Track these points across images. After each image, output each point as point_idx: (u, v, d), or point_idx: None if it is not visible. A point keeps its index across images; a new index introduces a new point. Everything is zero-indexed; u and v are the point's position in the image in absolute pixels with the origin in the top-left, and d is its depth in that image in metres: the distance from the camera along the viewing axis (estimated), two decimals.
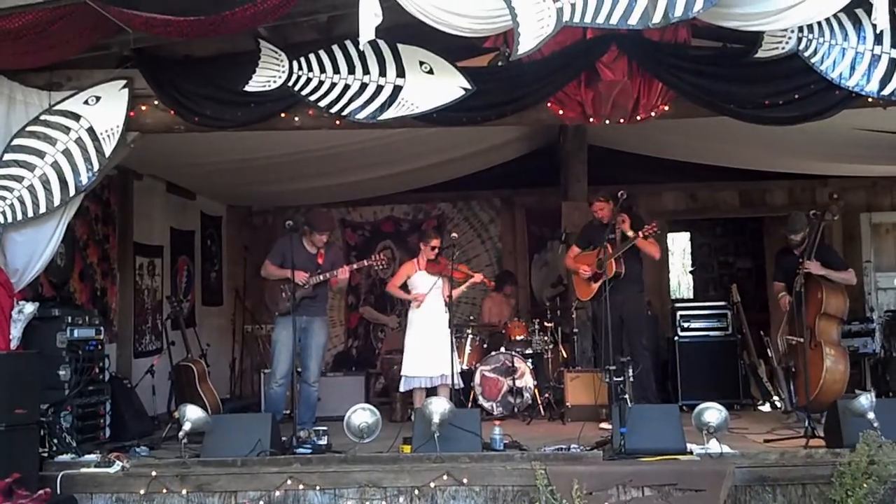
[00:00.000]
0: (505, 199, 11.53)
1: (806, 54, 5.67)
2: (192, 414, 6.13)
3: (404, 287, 8.19)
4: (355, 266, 7.88)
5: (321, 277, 7.52)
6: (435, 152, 9.21)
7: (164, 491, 5.79)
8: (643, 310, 8.37)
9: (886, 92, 5.65)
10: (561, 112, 6.19)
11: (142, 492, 5.78)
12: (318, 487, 5.78)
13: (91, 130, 6.12)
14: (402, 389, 8.00)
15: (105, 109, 6.13)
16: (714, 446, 5.90)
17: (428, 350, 7.69)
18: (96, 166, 6.14)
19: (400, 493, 5.74)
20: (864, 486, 5.26)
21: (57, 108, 6.13)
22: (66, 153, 6.09)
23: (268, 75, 6.14)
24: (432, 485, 5.71)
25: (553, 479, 5.59)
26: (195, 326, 9.78)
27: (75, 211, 6.38)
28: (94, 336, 6.99)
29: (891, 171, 10.25)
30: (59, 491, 5.72)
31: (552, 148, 10.33)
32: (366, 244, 11.62)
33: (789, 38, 5.68)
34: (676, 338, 8.97)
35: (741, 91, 5.97)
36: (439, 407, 6.06)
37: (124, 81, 6.16)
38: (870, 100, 5.78)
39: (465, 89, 5.93)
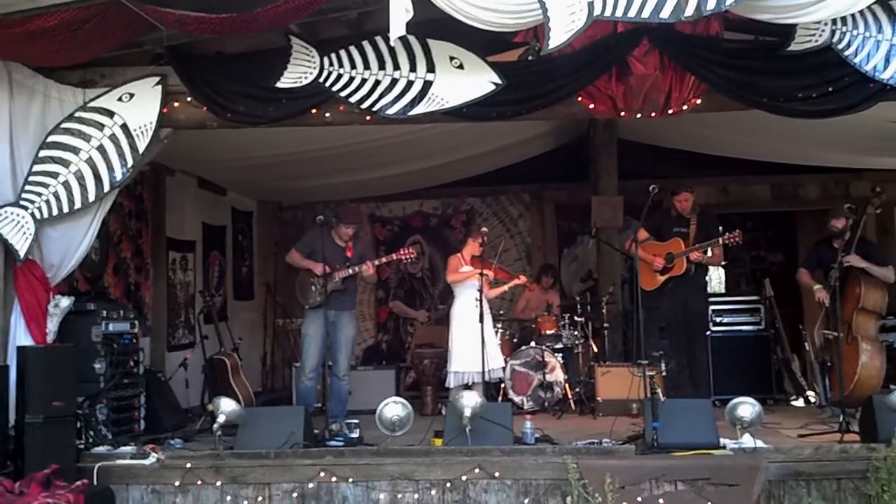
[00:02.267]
0: (534, 193, 11.51)
1: (840, 47, 5.61)
2: (227, 406, 6.20)
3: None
4: (384, 260, 7.92)
5: (350, 271, 7.54)
6: (464, 147, 9.20)
7: (199, 482, 5.86)
8: (706, 308, 8.39)
9: None
10: (592, 106, 6.16)
11: (177, 483, 5.86)
12: (350, 480, 5.82)
13: (125, 127, 6.18)
14: (452, 385, 8.00)
15: (139, 106, 6.19)
16: (747, 441, 5.87)
17: (476, 345, 7.63)
18: (130, 162, 6.20)
19: (432, 485, 5.77)
20: None
21: (91, 105, 6.20)
22: (101, 149, 6.16)
23: (299, 72, 6.17)
24: (464, 478, 5.73)
25: (585, 472, 5.59)
26: (227, 321, 9.86)
27: (109, 206, 6.46)
28: (128, 330, 7.09)
29: None
30: (95, 482, 5.79)
31: (581, 142, 10.30)
32: (395, 239, 11.65)
33: (823, 30, 5.62)
34: (709, 333, 8.90)
35: (774, 84, 5.91)
36: (471, 401, 6.07)
37: (157, 78, 6.22)
38: None
39: (495, 84, 5.92)
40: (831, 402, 7.46)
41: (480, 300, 7.67)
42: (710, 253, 7.80)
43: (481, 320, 7.58)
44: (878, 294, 7.25)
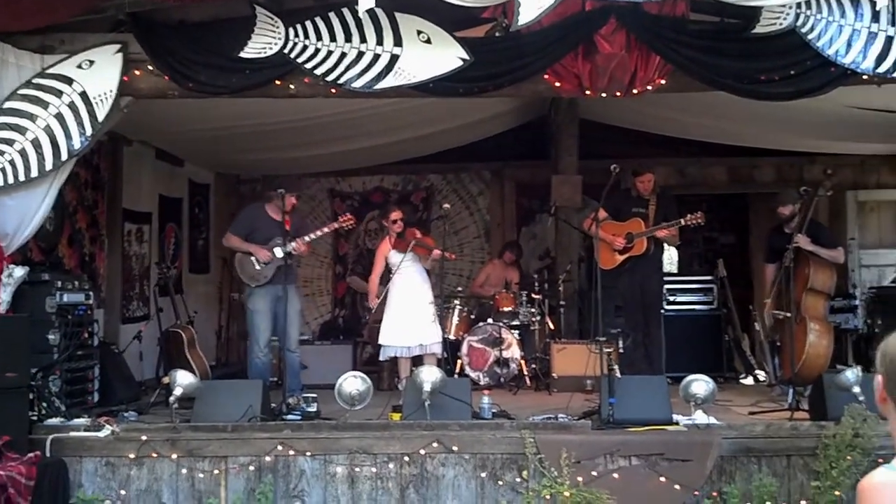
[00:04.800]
0: (495, 171, 11.52)
1: (803, 30, 5.69)
2: (183, 379, 6.16)
3: (387, 270, 8.13)
4: (319, 233, 7.76)
5: (291, 248, 7.40)
6: (425, 123, 9.18)
7: (155, 455, 5.83)
8: (662, 287, 8.51)
9: (882, 69, 5.68)
10: (558, 84, 6.17)
11: (132, 456, 5.82)
12: (308, 453, 5.83)
13: (84, 95, 6.05)
14: (381, 358, 8.02)
15: (98, 74, 6.06)
16: (701, 417, 5.98)
17: (404, 320, 7.68)
18: (89, 131, 6.08)
19: (390, 459, 5.80)
20: (849, 458, 5.37)
21: (50, 71, 6.05)
22: (59, 117, 6.03)
23: (263, 42, 6.07)
24: (422, 452, 5.77)
25: (542, 447, 5.67)
26: (182, 294, 9.75)
27: (66, 176, 6.33)
28: (83, 301, 6.98)
29: (878, 150, 10.37)
30: (48, 454, 5.74)
31: (543, 121, 10.34)
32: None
33: (787, 13, 5.69)
34: (662, 311, 9.03)
35: (738, 66, 5.99)
36: (430, 375, 6.10)
37: (118, 46, 6.09)
38: (865, 77, 5.80)
39: (463, 60, 5.90)
40: (781, 381, 7.62)
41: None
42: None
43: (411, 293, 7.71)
44: (827, 275, 7.38)
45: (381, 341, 7.87)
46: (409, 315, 7.71)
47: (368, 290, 8.24)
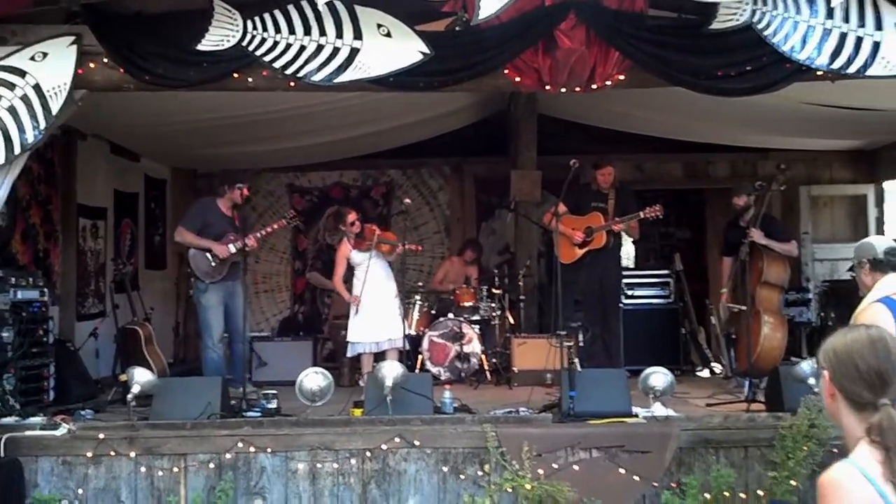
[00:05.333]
0: (454, 166, 11.53)
1: (759, 26, 5.75)
2: (141, 377, 6.08)
3: (350, 271, 8.14)
4: (268, 230, 8.00)
5: (244, 245, 7.48)
6: (385, 118, 9.16)
7: (112, 454, 5.74)
8: (620, 281, 8.57)
9: (836, 66, 5.77)
10: (518, 79, 6.18)
11: (89, 454, 5.73)
12: (269, 450, 5.78)
13: (37, 87, 5.91)
14: (348, 355, 8.00)
15: (52, 66, 5.93)
16: (659, 409, 6.04)
17: (373, 316, 7.68)
18: (43, 124, 5.95)
19: (352, 455, 5.77)
20: (805, 448, 5.45)
21: (1, 63, 5.90)
22: (12, 110, 5.89)
23: (221, 34, 5.99)
24: (384, 447, 5.76)
25: (503, 441, 5.69)
26: (139, 290, 9.62)
27: (19, 170, 6.19)
28: (37, 298, 6.87)
29: (830, 145, 10.57)
30: (2, 453, 5.62)
31: (502, 117, 10.37)
32: (314, 210, 11.55)
33: (743, 10, 5.75)
34: (621, 305, 9.11)
35: (695, 62, 6.04)
36: (392, 371, 6.09)
37: (73, 38, 5.96)
38: (819, 73, 5.88)
39: (423, 54, 5.88)
40: (737, 373, 7.74)
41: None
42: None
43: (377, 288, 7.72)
44: (780, 268, 7.51)
45: (350, 338, 7.84)
46: (378, 311, 7.71)
47: (338, 292, 8.24)
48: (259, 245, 7.87)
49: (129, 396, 6.00)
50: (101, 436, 5.77)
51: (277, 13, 5.97)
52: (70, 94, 5.99)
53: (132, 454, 5.75)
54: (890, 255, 4.05)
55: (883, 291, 3.94)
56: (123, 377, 6.42)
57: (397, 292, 7.83)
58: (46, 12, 5.94)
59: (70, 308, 8.54)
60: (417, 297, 9.14)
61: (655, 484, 5.64)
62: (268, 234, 8.11)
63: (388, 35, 5.89)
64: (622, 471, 5.62)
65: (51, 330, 7.10)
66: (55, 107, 5.96)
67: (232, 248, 7.45)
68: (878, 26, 5.79)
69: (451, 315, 8.82)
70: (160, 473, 5.75)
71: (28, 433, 5.84)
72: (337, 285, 8.13)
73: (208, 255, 7.53)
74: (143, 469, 5.74)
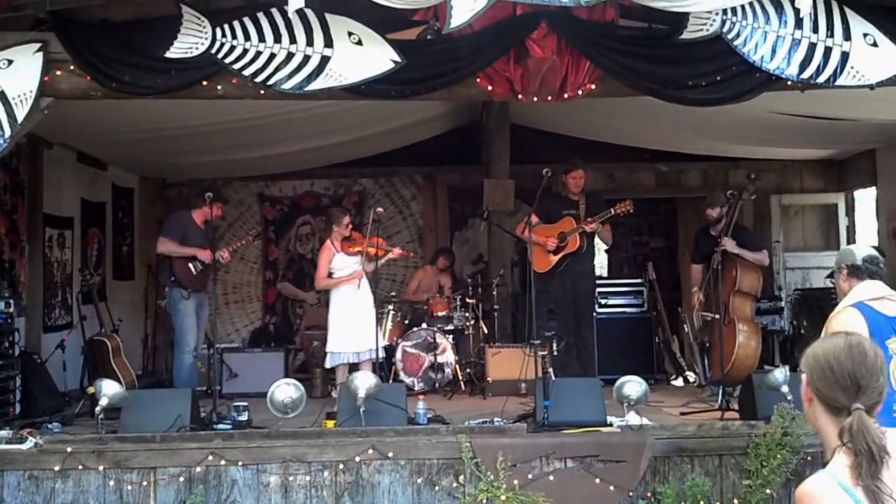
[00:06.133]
0: (427, 175, 11.49)
1: (729, 36, 5.78)
2: (109, 389, 5.97)
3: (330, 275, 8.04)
4: (239, 244, 8.54)
5: (226, 255, 7.94)
6: (357, 127, 9.10)
7: (81, 467, 5.65)
8: (594, 290, 8.57)
9: (805, 75, 5.81)
10: (490, 88, 6.17)
11: (56, 468, 5.63)
12: (240, 463, 5.71)
13: (2, 95, 5.81)
14: (328, 366, 7.90)
15: (18, 73, 5.84)
16: (633, 418, 6.03)
17: (353, 326, 7.59)
18: (8, 132, 5.85)
19: (325, 467, 5.72)
20: (779, 456, 5.47)
21: None
22: None
23: (190, 42, 5.93)
24: (357, 459, 5.70)
25: (478, 451, 5.66)
26: (106, 301, 9.48)
27: None
28: (2, 309, 6.79)
29: (801, 155, 10.67)
30: None
31: (475, 126, 10.36)
32: (284, 219, 11.47)
33: (713, 20, 5.78)
34: (594, 314, 9.12)
35: (665, 72, 6.07)
36: (365, 382, 6.03)
37: (39, 45, 5.87)
38: (789, 83, 5.93)
39: (394, 62, 5.85)
40: (710, 382, 7.76)
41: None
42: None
43: (357, 299, 7.63)
44: (753, 277, 7.55)
45: (329, 348, 7.73)
46: (358, 321, 7.59)
47: (325, 288, 8.04)
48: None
49: (98, 409, 5.90)
50: (69, 449, 5.68)
51: (247, 21, 5.92)
52: (36, 101, 5.90)
53: (101, 468, 5.66)
54: (868, 262, 4.09)
55: (856, 297, 3.99)
56: (91, 389, 6.32)
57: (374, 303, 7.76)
58: (12, 19, 5.83)
59: (36, 319, 8.38)
60: (391, 307, 9.08)
61: (630, 493, 5.63)
62: (235, 249, 8.40)
63: (360, 43, 5.86)
64: (597, 480, 5.61)
65: (17, 342, 7.00)
66: (21, 115, 5.86)
67: (222, 257, 7.80)
68: (847, 37, 5.85)
69: (424, 325, 8.79)
70: (129, 487, 5.66)
71: None
72: (325, 282, 7.90)
73: (190, 264, 7.68)
74: (111, 483, 5.66)
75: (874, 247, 5.40)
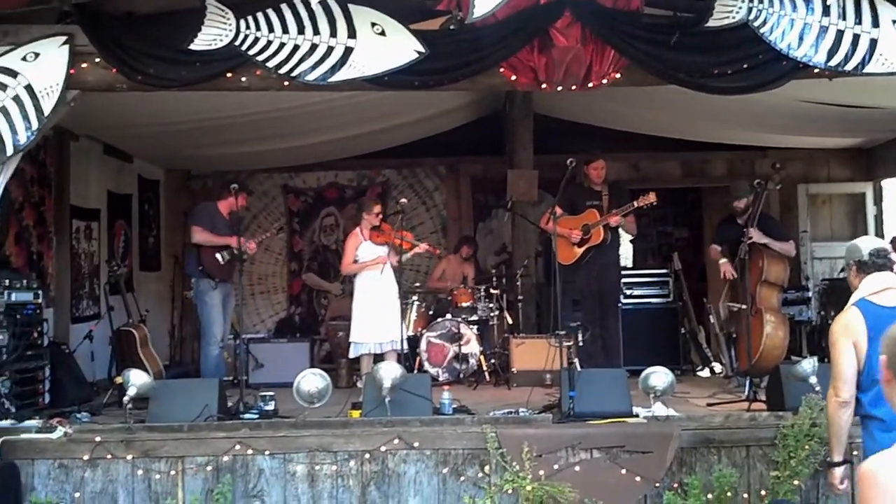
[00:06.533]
0: (450, 166, 11.48)
1: (756, 24, 5.71)
2: (137, 379, 6.02)
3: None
4: (263, 237, 8.57)
5: (253, 246, 8.01)
6: (380, 118, 9.12)
7: (109, 457, 5.70)
8: (619, 281, 8.53)
9: (833, 63, 5.74)
10: (514, 78, 6.13)
11: (86, 457, 5.69)
12: (266, 452, 5.74)
13: (29, 88, 5.86)
14: (351, 356, 7.94)
15: (44, 66, 5.87)
16: (660, 409, 6.00)
17: (376, 317, 7.62)
18: (35, 125, 5.89)
19: (350, 457, 5.74)
20: (807, 447, 5.42)
21: None
22: (3, 111, 5.83)
23: (213, 34, 5.94)
24: (383, 448, 5.72)
25: (503, 442, 5.65)
26: (133, 292, 9.57)
27: (12, 172, 6.13)
28: (32, 300, 6.81)
29: (828, 143, 10.54)
30: None
31: (498, 116, 10.34)
32: (309, 211, 11.51)
33: (740, 7, 5.72)
34: (619, 305, 9.08)
35: (691, 60, 6.00)
36: (390, 372, 6.04)
37: (65, 38, 5.91)
38: (816, 70, 5.85)
39: (418, 52, 5.83)
40: (737, 372, 7.71)
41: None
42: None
43: (382, 289, 7.64)
44: (780, 267, 7.48)
45: (353, 338, 7.77)
46: (381, 311, 7.62)
47: (352, 274, 8.02)
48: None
49: (126, 399, 5.96)
50: (98, 438, 5.73)
51: (271, 12, 5.92)
52: (62, 94, 5.94)
53: (129, 457, 5.71)
54: (874, 256, 4.06)
55: (861, 293, 3.99)
56: (119, 379, 6.39)
57: (399, 294, 7.78)
58: (38, 12, 5.88)
59: (64, 310, 8.48)
60: (415, 298, 9.10)
61: (657, 484, 5.60)
62: (261, 240, 8.44)
63: (383, 34, 5.85)
64: (623, 471, 5.59)
65: (45, 332, 7.05)
66: (47, 107, 5.91)
67: (250, 248, 7.89)
68: (875, 23, 5.77)
69: (448, 315, 8.79)
70: (157, 476, 5.71)
71: (24, 436, 5.80)
72: (350, 268, 7.92)
73: (218, 254, 7.70)
74: (140, 472, 5.71)
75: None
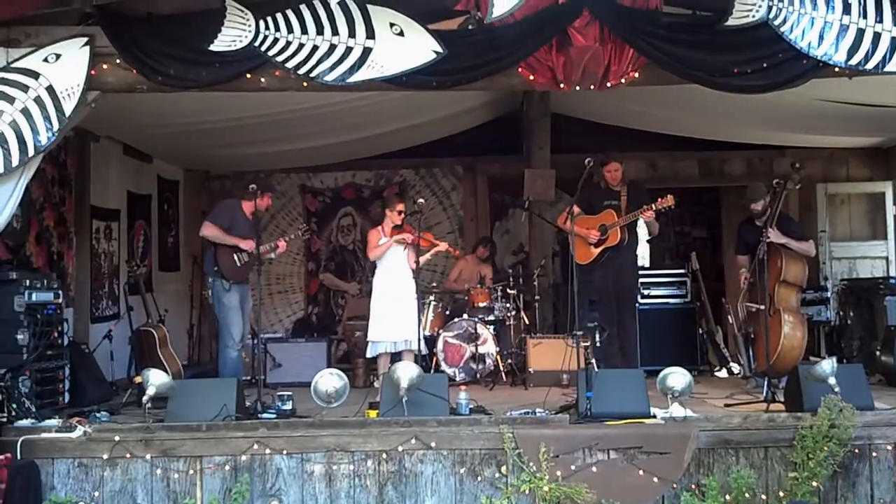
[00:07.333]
0: (467, 166, 11.49)
1: (776, 23, 5.70)
2: (157, 379, 6.04)
3: (372, 265, 8.13)
4: (289, 238, 8.42)
5: (280, 244, 8.01)
6: (398, 118, 9.13)
7: (128, 456, 5.75)
8: (636, 281, 8.51)
9: (853, 62, 5.72)
10: (532, 77, 6.14)
11: (105, 456, 5.74)
12: (284, 452, 5.77)
13: (51, 89, 5.92)
14: (368, 355, 7.97)
15: (65, 67, 5.94)
16: (677, 410, 5.98)
17: (393, 316, 7.65)
18: (56, 126, 5.96)
19: (368, 457, 5.76)
20: (825, 449, 5.40)
21: (15, 65, 5.93)
22: (25, 112, 5.90)
23: (233, 34, 6.00)
24: (400, 448, 5.74)
25: (520, 442, 5.65)
26: (152, 292, 9.62)
27: (33, 172, 6.19)
28: (52, 300, 6.86)
29: (847, 143, 10.48)
30: (19, 456, 5.64)
31: (515, 115, 10.32)
32: (326, 210, 11.53)
33: (759, 6, 5.71)
34: (637, 305, 9.05)
35: (711, 59, 5.99)
36: (407, 372, 6.04)
37: (85, 39, 5.98)
38: (836, 69, 5.84)
39: (436, 53, 5.85)
40: (755, 373, 7.66)
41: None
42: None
43: (399, 289, 7.70)
44: (799, 267, 7.43)
45: (370, 337, 7.80)
46: (397, 310, 7.65)
47: (375, 256, 8.03)
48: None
49: (145, 398, 5.98)
50: (117, 438, 5.78)
51: (290, 13, 5.97)
52: (83, 95, 6.01)
53: (148, 456, 5.76)
54: None
55: None
56: (138, 379, 6.42)
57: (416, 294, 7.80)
58: (59, 14, 5.94)
59: (84, 310, 8.54)
60: (432, 298, 9.11)
61: (675, 485, 5.60)
62: (289, 239, 8.39)
63: (401, 34, 5.87)
64: (641, 472, 5.58)
65: (65, 332, 7.10)
66: (68, 108, 5.97)
67: (279, 246, 7.97)
68: None
69: (465, 315, 8.79)
70: (176, 476, 5.75)
71: (44, 435, 5.85)
72: (378, 250, 7.92)
73: (235, 255, 7.69)
74: (158, 471, 5.75)
75: None
